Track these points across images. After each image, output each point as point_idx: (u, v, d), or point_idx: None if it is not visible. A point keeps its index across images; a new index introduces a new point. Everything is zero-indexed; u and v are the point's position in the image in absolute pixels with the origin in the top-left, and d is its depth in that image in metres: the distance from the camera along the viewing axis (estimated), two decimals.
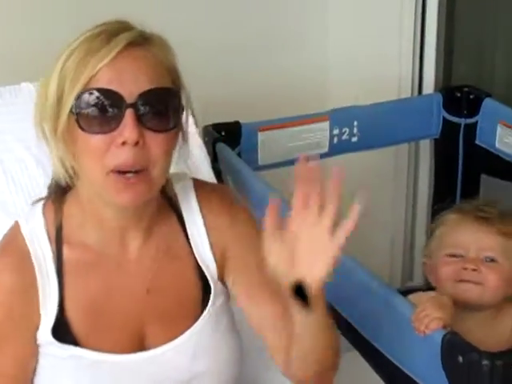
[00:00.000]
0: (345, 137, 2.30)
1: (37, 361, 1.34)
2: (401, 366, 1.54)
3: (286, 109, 2.29)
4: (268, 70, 2.47)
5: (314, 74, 2.56)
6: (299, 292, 1.26)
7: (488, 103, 2.34)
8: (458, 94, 2.40)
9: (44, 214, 1.35)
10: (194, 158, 1.88)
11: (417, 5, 2.51)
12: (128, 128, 1.21)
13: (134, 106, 1.21)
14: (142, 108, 1.22)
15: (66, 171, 1.30)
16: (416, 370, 1.51)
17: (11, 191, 1.68)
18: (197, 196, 1.42)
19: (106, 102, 1.21)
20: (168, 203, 1.41)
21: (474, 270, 1.74)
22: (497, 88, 2.50)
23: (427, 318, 1.43)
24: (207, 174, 1.89)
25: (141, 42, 1.25)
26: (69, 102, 1.23)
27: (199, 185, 1.45)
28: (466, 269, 1.74)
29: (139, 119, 1.22)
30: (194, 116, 1.89)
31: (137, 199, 1.25)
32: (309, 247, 1.20)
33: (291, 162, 2.21)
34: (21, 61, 2.03)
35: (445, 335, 1.40)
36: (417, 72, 2.57)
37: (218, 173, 1.97)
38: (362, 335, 1.63)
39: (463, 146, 2.43)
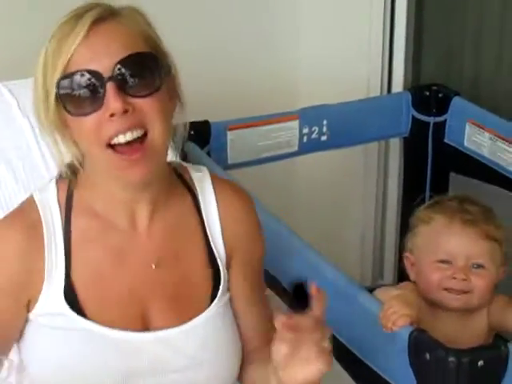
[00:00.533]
0: (314, 136, 2.31)
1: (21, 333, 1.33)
2: (369, 363, 1.54)
3: (255, 108, 2.30)
4: (238, 69, 2.47)
5: (284, 73, 2.57)
6: (299, 292, 1.29)
7: (456, 102, 2.35)
8: (427, 93, 2.41)
9: (57, 185, 1.36)
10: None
11: (386, 4, 2.52)
12: (111, 101, 1.21)
13: (112, 78, 1.22)
14: (120, 77, 1.22)
15: (74, 157, 1.31)
16: (384, 366, 1.51)
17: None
18: (214, 187, 1.41)
19: (85, 83, 1.22)
20: (183, 185, 1.40)
21: (464, 279, 1.73)
22: (465, 87, 2.51)
23: (394, 315, 1.44)
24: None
25: (109, 16, 1.26)
26: (52, 90, 1.24)
27: (217, 179, 1.45)
28: (455, 278, 1.73)
29: (121, 89, 1.22)
30: None
31: (144, 175, 1.25)
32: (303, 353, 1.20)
33: (261, 161, 2.26)
34: None
35: (412, 332, 1.41)
36: (386, 71, 2.58)
37: None
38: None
39: (432, 145, 2.44)
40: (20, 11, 2.15)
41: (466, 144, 2.31)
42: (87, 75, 1.22)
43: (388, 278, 2.77)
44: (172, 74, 1.31)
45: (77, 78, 1.22)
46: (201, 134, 2.12)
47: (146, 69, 1.25)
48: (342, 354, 1.62)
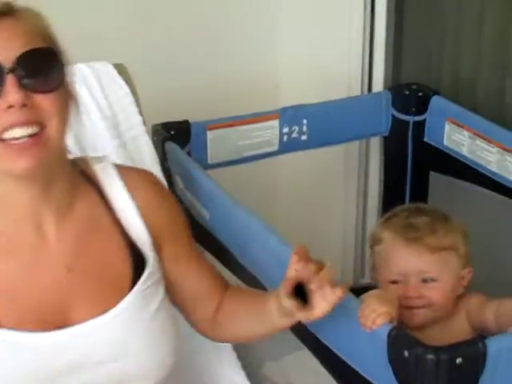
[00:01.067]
0: (294, 135, 2.31)
1: None
2: (349, 362, 1.54)
3: (236, 108, 2.29)
4: (219, 70, 2.47)
5: (265, 73, 2.57)
6: (299, 292, 1.33)
7: (436, 101, 2.35)
8: (407, 92, 2.41)
9: None
10: (142, 156, 1.89)
11: (365, 4, 2.53)
12: (11, 92, 1.21)
13: (13, 70, 1.21)
14: (21, 71, 1.22)
15: None
16: (363, 365, 1.51)
17: None
18: (120, 174, 1.42)
19: None
20: (87, 181, 1.40)
21: (417, 297, 1.75)
22: (445, 86, 2.52)
23: (373, 314, 1.44)
24: (156, 173, 1.88)
25: (7, 12, 1.25)
26: None
27: (120, 166, 1.46)
28: (409, 297, 1.75)
29: (21, 82, 1.22)
30: (141, 115, 1.91)
31: (34, 164, 1.23)
32: None
33: (241, 161, 2.26)
34: None
35: (391, 330, 1.41)
36: (366, 70, 2.59)
37: (166, 171, 1.97)
38: (310, 332, 1.64)
39: (412, 144, 2.44)
40: None
41: (445, 143, 2.31)
42: None
43: (370, 277, 2.77)
44: (68, 73, 1.31)
45: None
46: (181, 134, 2.12)
47: (47, 65, 1.26)
48: (322, 351, 1.63)
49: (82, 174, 1.40)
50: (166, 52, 2.37)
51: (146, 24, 2.33)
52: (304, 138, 2.33)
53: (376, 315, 1.43)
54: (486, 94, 2.42)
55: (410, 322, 1.73)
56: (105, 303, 1.34)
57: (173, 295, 1.46)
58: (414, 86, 2.42)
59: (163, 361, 1.39)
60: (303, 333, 1.66)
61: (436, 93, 2.38)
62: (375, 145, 2.62)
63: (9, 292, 1.30)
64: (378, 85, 2.58)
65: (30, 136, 1.23)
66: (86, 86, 1.86)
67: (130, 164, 1.82)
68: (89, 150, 1.80)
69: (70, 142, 1.75)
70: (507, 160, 2.12)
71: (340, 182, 2.67)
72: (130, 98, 1.91)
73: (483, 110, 2.36)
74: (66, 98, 1.30)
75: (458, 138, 2.26)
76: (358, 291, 1.71)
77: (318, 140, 2.36)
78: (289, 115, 2.30)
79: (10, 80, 1.21)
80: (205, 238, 1.93)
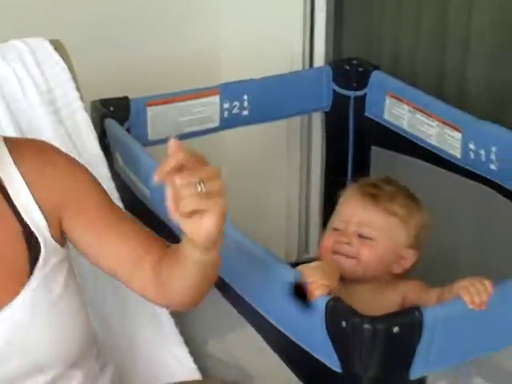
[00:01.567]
0: (235, 111, 2.30)
1: None
2: (288, 334, 1.55)
3: (177, 85, 2.28)
4: (159, 45, 2.45)
5: (206, 50, 2.56)
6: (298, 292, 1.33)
7: (376, 75, 2.36)
8: (347, 67, 2.42)
9: None
10: (81, 132, 1.87)
11: None
12: None
13: None
14: None
15: None
16: (302, 337, 1.52)
17: None
18: (10, 152, 1.36)
19: None
20: None
21: (347, 243, 1.77)
22: (385, 61, 2.53)
23: (313, 285, 1.45)
24: (94, 150, 1.87)
25: None
26: None
27: (12, 140, 1.40)
28: (340, 242, 1.77)
29: None
30: (78, 90, 1.89)
31: None
32: None
33: (182, 137, 2.24)
34: None
35: (328, 301, 1.42)
36: (307, 46, 2.59)
37: (106, 148, 1.95)
38: (252, 307, 1.64)
39: (353, 119, 2.45)
40: None
41: (385, 117, 2.32)
42: None
43: (314, 252, 2.79)
44: None
45: None
46: (120, 110, 2.10)
47: None
48: (264, 328, 1.64)
49: None
50: (105, 28, 2.34)
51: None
52: (245, 113, 2.32)
53: (315, 287, 1.44)
54: (426, 69, 2.44)
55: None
56: (4, 294, 1.31)
57: (103, 266, 1.42)
58: (355, 61, 2.42)
59: (69, 347, 1.37)
60: (245, 309, 1.66)
61: (376, 68, 2.38)
62: (317, 120, 2.62)
63: None
64: (319, 60, 2.59)
65: None
66: (22, 62, 1.83)
67: (67, 141, 1.81)
68: (24, 126, 1.78)
69: (4, 120, 1.76)
70: (446, 133, 2.14)
71: (283, 157, 2.68)
72: (66, 75, 1.88)
73: (423, 85, 2.37)
74: None
75: (398, 112, 2.27)
76: None
77: (260, 116, 2.35)
78: (229, 91, 2.29)
79: None
80: (146, 214, 1.92)
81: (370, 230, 1.78)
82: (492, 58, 2.30)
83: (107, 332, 1.69)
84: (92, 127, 1.89)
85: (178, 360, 1.69)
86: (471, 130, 2.07)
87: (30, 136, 1.74)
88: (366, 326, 1.35)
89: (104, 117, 2.04)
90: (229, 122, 2.30)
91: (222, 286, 1.69)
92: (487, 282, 1.46)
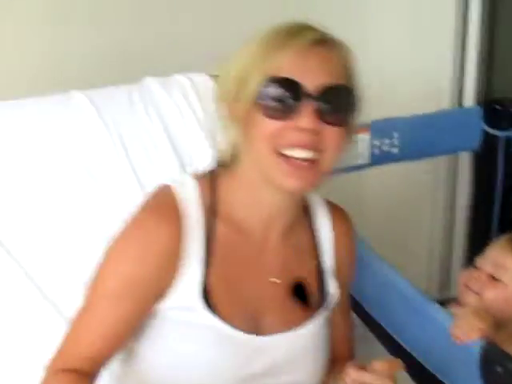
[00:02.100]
0: (385, 148, 2.32)
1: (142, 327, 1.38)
2: (438, 376, 1.55)
3: None
4: None
5: None
6: (298, 292, 1.40)
7: None
8: (499, 107, 2.40)
9: (197, 182, 1.42)
10: None
11: (457, 17, 2.53)
12: (305, 117, 1.27)
13: (313, 97, 1.28)
14: (322, 101, 1.28)
15: (232, 151, 1.40)
16: (454, 379, 1.52)
17: None
18: (328, 210, 1.51)
19: (287, 91, 1.28)
20: (303, 210, 1.48)
21: (476, 279, 1.79)
22: None
23: (467, 326, 1.45)
24: None
25: (324, 41, 1.32)
26: (252, 87, 1.30)
27: (328, 200, 1.54)
28: (472, 278, 1.81)
29: (317, 111, 1.28)
30: None
31: (303, 185, 1.31)
32: None
33: (334, 173, 2.27)
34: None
35: (484, 345, 1.41)
36: (457, 84, 2.59)
37: None
38: (399, 344, 1.65)
39: (503, 160, 2.43)
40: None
41: None
42: (292, 84, 1.28)
43: (455, 290, 2.76)
44: (356, 115, 1.37)
45: (282, 83, 1.28)
46: None
47: (344, 102, 1.32)
48: (411, 365, 1.64)
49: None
50: None
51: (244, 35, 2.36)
52: (395, 151, 2.33)
53: (470, 328, 1.44)
54: None
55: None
56: (291, 319, 1.43)
57: None
58: (506, 102, 2.40)
59: (319, 372, 1.47)
60: (391, 342, 1.67)
61: None
62: (464, 160, 2.61)
63: (228, 285, 1.38)
64: (469, 98, 2.58)
65: (306, 160, 1.29)
66: (184, 96, 1.90)
67: None
68: (186, 159, 1.84)
69: (167, 153, 1.82)
70: None
71: (428, 195, 2.67)
72: None
73: None
74: (346, 136, 1.36)
75: None
76: (443, 305, 1.73)
77: (409, 153, 2.36)
78: (380, 128, 2.30)
79: (308, 106, 1.27)
80: None
81: (504, 272, 1.77)
82: None
83: None
84: None
85: None
86: None
87: (189, 168, 1.80)
88: None
89: None
90: (379, 159, 2.32)
91: (369, 321, 1.71)
92: None
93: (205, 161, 1.81)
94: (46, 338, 1.56)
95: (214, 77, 1.96)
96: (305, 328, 1.43)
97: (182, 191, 1.39)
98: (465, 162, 2.60)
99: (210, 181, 1.42)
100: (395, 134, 2.32)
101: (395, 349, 1.69)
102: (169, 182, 1.42)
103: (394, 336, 1.67)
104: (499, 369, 1.37)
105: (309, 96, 1.28)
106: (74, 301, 1.43)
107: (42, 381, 1.35)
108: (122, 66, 2.14)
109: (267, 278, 1.42)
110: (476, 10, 2.53)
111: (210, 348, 1.35)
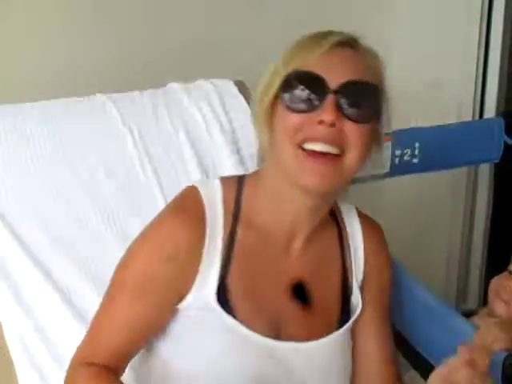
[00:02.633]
0: (406, 158, 2.31)
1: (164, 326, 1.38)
2: None
3: None
4: None
5: None
6: (298, 292, 1.38)
7: None
8: None
9: (222, 186, 1.43)
10: None
11: (481, 28, 2.53)
12: (327, 110, 1.28)
13: (336, 92, 1.29)
14: (343, 95, 1.30)
15: (260, 153, 1.43)
16: None
17: None
18: (360, 220, 1.51)
19: (310, 85, 1.31)
20: (332, 218, 1.48)
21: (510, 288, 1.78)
22: None
23: (491, 337, 1.44)
24: None
25: (350, 43, 1.35)
26: (277, 80, 1.34)
27: (362, 212, 1.54)
28: (504, 287, 1.79)
29: (338, 105, 1.29)
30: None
31: (322, 183, 1.30)
32: None
33: (353, 181, 2.26)
34: None
35: (506, 357, 1.41)
36: (478, 95, 2.58)
37: None
38: (421, 355, 1.64)
39: None
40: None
41: None
42: (316, 79, 1.30)
43: (472, 302, 2.76)
44: (382, 117, 1.39)
45: (306, 77, 1.31)
46: None
47: (367, 98, 1.33)
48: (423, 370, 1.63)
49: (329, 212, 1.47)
50: None
51: (266, 40, 2.36)
52: (415, 161, 2.32)
53: (494, 340, 1.44)
54: None
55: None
56: (312, 327, 1.42)
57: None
58: None
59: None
60: (413, 355, 1.67)
61: None
62: (483, 171, 2.61)
63: (248, 288, 1.38)
64: (490, 110, 2.57)
65: (328, 155, 1.30)
66: (208, 101, 1.91)
67: None
68: (207, 164, 1.84)
69: (189, 157, 1.82)
70: None
71: (446, 207, 2.66)
72: (249, 115, 1.94)
73: None
74: (372, 136, 1.36)
75: None
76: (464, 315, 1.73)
77: (429, 164, 2.35)
78: (401, 138, 2.29)
79: (330, 100, 1.29)
80: None
81: None
82: None
83: None
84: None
85: None
86: None
87: (213, 174, 1.81)
88: None
89: None
90: (399, 168, 2.31)
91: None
92: None
93: (226, 165, 1.84)
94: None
95: (237, 82, 1.98)
96: (326, 339, 1.42)
97: (207, 193, 1.40)
98: (485, 173, 2.60)
99: (237, 184, 1.43)
100: (416, 144, 2.32)
101: (418, 361, 1.68)
102: (196, 183, 1.43)
103: (418, 348, 1.66)
104: None
105: (330, 90, 1.30)
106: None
107: (67, 373, 1.36)
108: (145, 71, 2.14)
109: (289, 284, 1.42)
110: (499, 21, 2.53)
111: (227, 349, 1.35)
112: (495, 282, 1.82)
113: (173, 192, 1.49)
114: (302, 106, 1.31)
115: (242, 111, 1.94)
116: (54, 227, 1.65)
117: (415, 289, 1.65)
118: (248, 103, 1.96)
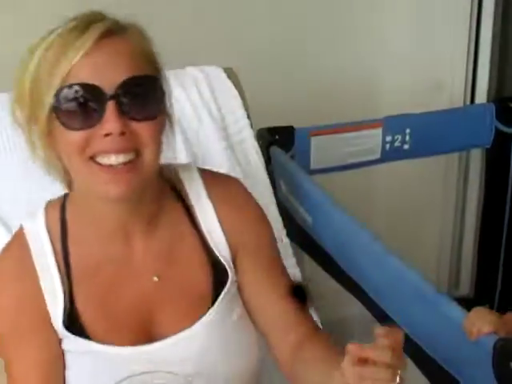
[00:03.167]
0: (397, 144, 2.31)
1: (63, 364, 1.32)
2: (451, 372, 1.54)
3: (338, 116, 2.31)
4: (324, 76, 2.48)
5: (368, 80, 2.57)
6: (298, 292, 1.33)
7: None
8: (511, 105, 2.39)
9: (46, 212, 1.35)
10: (249, 159, 1.92)
11: (472, 15, 2.52)
12: (111, 121, 1.17)
13: (114, 97, 1.18)
14: (123, 98, 1.18)
15: (58, 172, 1.30)
16: (466, 375, 1.51)
17: None
18: (205, 184, 1.39)
19: (86, 97, 1.18)
20: (173, 192, 1.38)
21: None
22: None
23: (480, 321, 1.43)
24: (261, 176, 1.91)
25: (116, 31, 1.22)
26: (47, 99, 1.19)
27: (207, 174, 1.42)
28: None
29: (122, 110, 1.18)
30: (249, 119, 1.94)
31: (127, 190, 1.22)
32: None
33: (343, 168, 2.28)
34: None
35: (497, 341, 1.40)
36: (470, 81, 2.58)
37: (270, 175, 1.99)
38: (411, 340, 1.64)
39: None
40: None
41: None
42: (89, 89, 1.18)
43: (464, 288, 2.76)
44: (167, 95, 1.28)
45: (78, 89, 1.18)
46: (285, 139, 2.14)
47: (149, 92, 1.22)
48: (422, 360, 1.63)
49: (168, 183, 1.39)
50: (272, 59, 2.39)
51: (256, 29, 2.36)
52: (406, 147, 2.33)
53: (483, 323, 1.43)
54: None
55: None
56: (188, 316, 1.34)
57: (253, 319, 1.42)
58: None
59: (249, 366, 1.39)
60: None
61: None
62: (475, 157, 2.61)
63: (99, 305, 1.32)
64: (482, 96, 2.57)
65: (125, 163, 1.21)
66: (197, 88, 1.90)
67: (236, 167, 1.86)
68: (197, 150, 1.84)
69: (179, 144, 1.81)
70: None
71: (439, 192, 2.66)
72: (238, 102, 1.94)
73: None
74: (163, 123, 1.28)
75: None
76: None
77: (420, 150, 2.35)
78: (392, 124, 2.30)
79: (110, 108, 1.17)
80: (306, 242, 1.95)
81: None
82: None
83: None
84: (260, 155, 1.94)
85: None
86: None
87: (200, 160, 1.80)
88: None
89: (270, 144, 2.08)
90: (390, 154, 2.31)
91: (378, 315, 1.70)
92: None
93: (215, 152, 1.83)
94: None
95: (227, 69, 1.97)
96: (202, 321, 1.34)
97: (31, 226, 1.34)
98: (476, 159, 2.59)
99: (60, 205, 1.35)
100: (407, 130, 2.32)
101: (407, 344, 1.67)
102: (23, 221, 1.36)
103: (405, 330, 1.65)
104: None
105: (108, 96, 1.17)
106: None
107: None
108: None
109: (148, 280, 1.34)
110: (490, 7, 2.52)
111: (94, 371, 1.30)
112: None
113: None
114: (81, 121, 1.18)
115: (231, 98, 1.93)
116: None
117: (405, 273, 1.63)
118: (237, 90, 1.95)
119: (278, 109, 2.27)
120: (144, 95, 1.21)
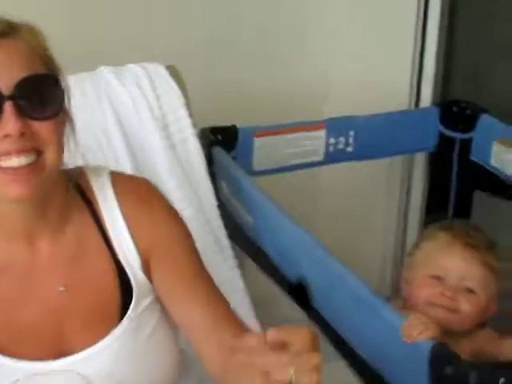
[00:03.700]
0: (340, 146, 2.31)
1: None
2: (386, 376, 1.54)
3: (283, 117, 2.29)
4: (268, 75, 2.47)
5: (314, 83, 2.57)
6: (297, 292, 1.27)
7: (484, 119, 2.34)
8: (455, 109, 2.40)
9: None
10: (191, 159, 1.90)
11: (417, 20, 2.53)
12: (10, 121, 1.15)
13: (11, 97, 1.16)
14: (20, 98, 1.16)
15: None
16: (401, 379, 1.51)
17: None
18: (114, 189, 1.35)
19: None
20: (82, 198, 1.34)
21: (452, 299, 1.73)
22: (494, 104, 2.50)
23: (422, 326, 1.43)
24: (202, 177, 1.89)
25: (8, 32, 1.20)
26: None
27: (117, 177, 1.38)
28: (443, 295, 1.73)
29: (20, 111, 1.16)
30: (191, 117, 1.92)
31: (29, 190, 1.19)
32: None
33: (286, 169, 2.27)
34: None
35: (433, 346, 1.40)
36: (415, 85, 2.58)
37: (212, 175, 1.97)
38: (348, 344, 1.63)
39: (458, 161, 2.43)
40: None
41: (492, 163, 2.29)
42: None
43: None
44: (66, 93, 1.25)
45: None
46: (228, 139, 2.12)
47: (47, 91, 1.20)
48: (358, 364, 1.62)
49: (76, 188, 1.35)
50: (219, 58, 2.37)
51: (199, 25, 2.33)
52: (350, 149, 2.32)
53: (425, 327, 1.43)
54: None
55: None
56: (96, 329, 1.30)
57: (174, 319, 1.36)
58: (463, 104, 2.40)
59: (164, 380, 1.35)
60: (340, 344, 1.66)
61: (484, 111, 2.36)
62: (419, 160, 2.61)
63: (4, 316, 1.27)
64: (426, 100, 2.57)
65: (26, 165, 1.18)
66: (138, 85, 1.87)
67: (177, 167, 1.83)
68: (137, 149, 1.81)
69: (118, 142, 1.79)
70: None
71: (382, 195, 2.66)
72: (180, 101, 1.91)
73: None
74: (64, 121, 1.26)
75: (506, 159, 2.24)
76: None
77: (364, 152, 2.35)
78: (336, 126, 2.29)
79: (8, 108, 1.15)
80: (247, 244, 1.94)
81: (473, 283, 1.74)
82: None
83: None
84: (202, 154, 1.92)
85: None
86: None
87: (142, 159, 1.78)
88: (472, 374, 1.33)
89: (212, 144, 2.06)
90: (333, 156, 2.31)
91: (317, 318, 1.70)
92: None
93: (156, 150, 1.81)
94: None
95: (169, 67, 1.95)
96: (111, 335, 1.29)
97: None
98: (420, 163, 2.60)
99: None
100: (351, 133, 2.32)
101: (345, 351, 1.67)
102: None
103: (345, 338, 1.65)
104: (448, 369, 1.36)
105: (5, 97, 1.15)
106: None
107: None
108: (77, 55, 2.09)
109: (54, 290, 1.29)
110: (435, 11, 2.53)
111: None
112: (423, 291, 1.77)
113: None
114: None
115: (173, 96, 1.91)
116: None
117: (346, 277, 1.62)
118: (179, 88, 1.93)
119: (221, 108, 2.26)
120: (42, 94, 1.19)
